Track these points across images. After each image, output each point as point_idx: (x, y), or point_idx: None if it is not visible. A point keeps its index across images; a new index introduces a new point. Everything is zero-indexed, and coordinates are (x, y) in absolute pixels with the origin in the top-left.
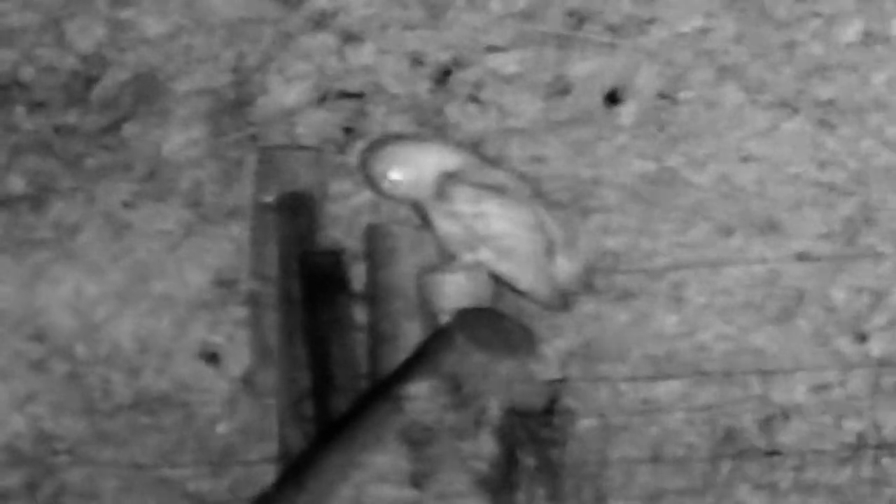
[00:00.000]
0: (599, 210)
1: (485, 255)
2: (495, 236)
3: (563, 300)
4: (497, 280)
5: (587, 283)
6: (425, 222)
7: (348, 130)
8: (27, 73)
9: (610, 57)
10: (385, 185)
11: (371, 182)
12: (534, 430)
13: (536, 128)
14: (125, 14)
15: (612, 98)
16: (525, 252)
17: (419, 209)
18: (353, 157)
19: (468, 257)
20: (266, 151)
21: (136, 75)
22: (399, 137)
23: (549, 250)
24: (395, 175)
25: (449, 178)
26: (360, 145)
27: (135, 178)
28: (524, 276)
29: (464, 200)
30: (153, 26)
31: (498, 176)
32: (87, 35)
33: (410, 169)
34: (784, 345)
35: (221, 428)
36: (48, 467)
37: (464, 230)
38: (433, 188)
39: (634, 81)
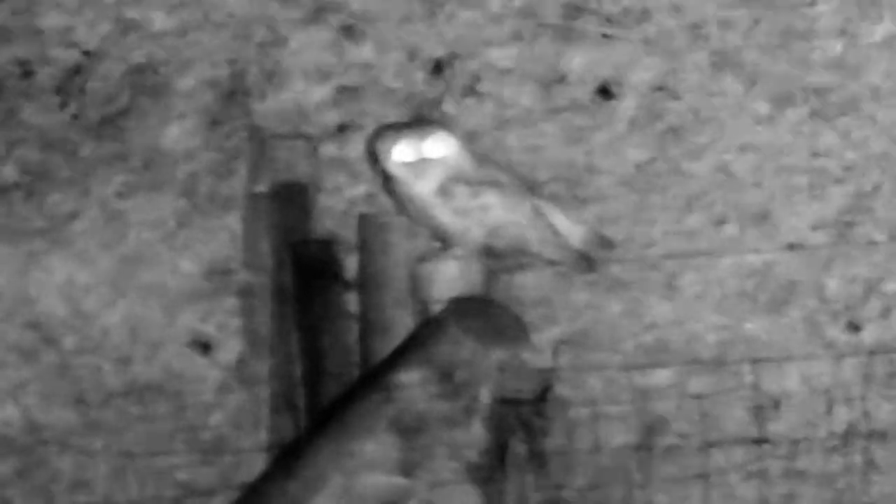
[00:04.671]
0: (595, 199)
1: (491, 240)
2: (498, 225)
3: (588, 261)
4: (489, 270)
5: (603, 242)
6: (420, 217)
7: (344, 123)
8: (26, 64)
9: (607, 47)
10: (389, 164)
11: (375, 162)
12: (525, 418)
13: (532, 117)
14: (127, 8)
15: (609, 88)
16: (528, 232)
17: (416, 202)
18: (348, 150)
19: (474, 242)
20: (259, 141)
21: (134, 67)
22: (406, 122)
23: (552, 226)
24: (399, 154)
25: (448, 178)
26: (356, 137)
27: (130, 169)
28: (532, 240)
29: (464, 196)
30: (154, 20)
31: (492, 171)
32: (91, 29)
33: (414, 151)
34: (776, 334)
35: (215, 418)
36: (39, 456)
37: (468, 221)
38: (434, 181)
39: (631, 71)
